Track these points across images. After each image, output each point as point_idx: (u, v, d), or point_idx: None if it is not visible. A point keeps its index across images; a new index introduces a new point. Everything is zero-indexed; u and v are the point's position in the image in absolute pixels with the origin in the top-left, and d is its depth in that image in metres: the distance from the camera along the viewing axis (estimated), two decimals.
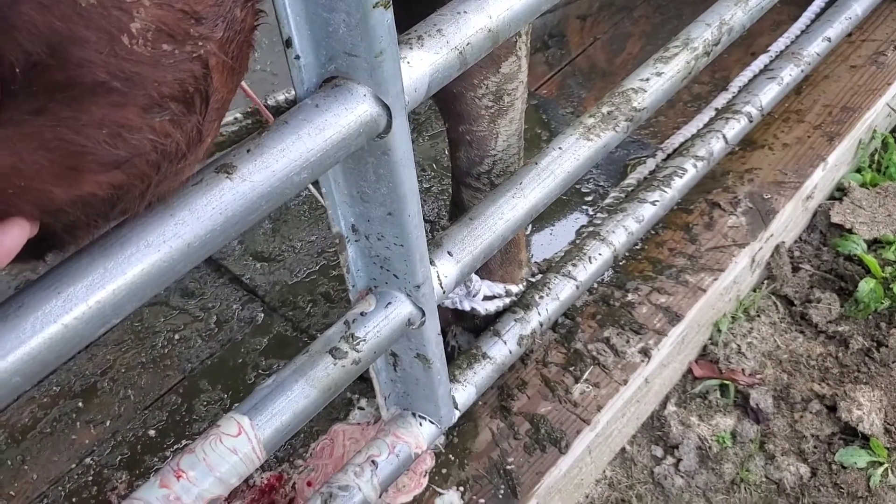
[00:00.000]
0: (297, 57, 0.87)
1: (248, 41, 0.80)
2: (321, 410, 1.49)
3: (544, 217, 1.76)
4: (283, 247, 1.73)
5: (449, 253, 1.16)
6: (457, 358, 1.41)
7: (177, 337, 1.61)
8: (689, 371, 1.75)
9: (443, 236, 1.18)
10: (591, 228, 1.58)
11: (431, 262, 1.13)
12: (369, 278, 1.12)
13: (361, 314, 1.09)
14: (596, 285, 1.62)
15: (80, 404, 1.53)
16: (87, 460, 1.45)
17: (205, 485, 0.96)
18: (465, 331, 1.51)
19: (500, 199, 1.21)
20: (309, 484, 1.40)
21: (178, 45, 0.69)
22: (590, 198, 1.79)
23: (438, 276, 1.14)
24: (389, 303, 1.10)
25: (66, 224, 0.75)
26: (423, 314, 1.12)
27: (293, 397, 1.03)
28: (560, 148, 1.27)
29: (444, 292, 1.15)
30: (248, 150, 0.83)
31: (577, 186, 1.81)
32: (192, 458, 0.97)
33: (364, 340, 1.08)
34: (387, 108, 0.88)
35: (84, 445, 1.48)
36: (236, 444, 0.99)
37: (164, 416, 1.51)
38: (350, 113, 0.86)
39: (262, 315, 1.63)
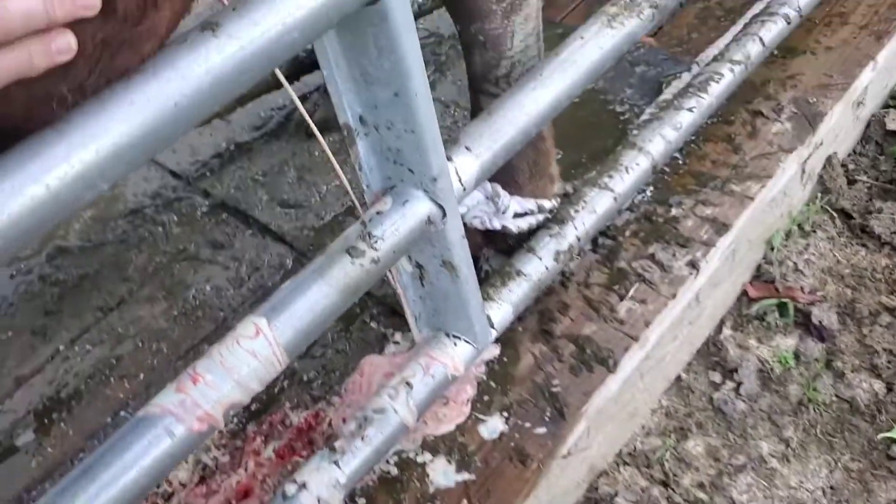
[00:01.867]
0: None
1: None
2: (356, 346, 1.45)
3: (578, 141, 1.69)
4: (309, 192, 1.69)
5: (467, 148, 1.10)
6: (491, 279, 1.35)
7: (208, 288, 1.58)
8: (744, 294, 1.66)
9: (460, 132, 1.12)
10: (626, 141, 1.50)
11: (449, 159, 1.07)
12: (384, 178, 1.06)
13: (378, 213, 1.04)
14: (637, 203, 1.54)
15: (113, 361, 1.50)
16: (122, 413, 1.42)
17: (224, 389, 0.92)
18: (498, 253, 1.45)
19: (519, 92, 1.15)
20: (344, 421, 1.34)
21: None
22: (625, 117, 1.71)
23: (457, 172, 1.08)
24: (406, 200, 1.04)
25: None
26: (444, 212, 1.06)
27: (312, 297, 0.98)
28: (582, 37, 1.20)
29: (464, 190, 1.09)
30: (233, 9, 0.78)
31: (612, 107, 1.73)
32: (209, 362, 0.92)
33: (382, 239, 1.02)
34: None
35: (118, 400, 1.45)
36: (255, 347, 0.94)
37: None
38: None
39: (292, 261, 1.59)
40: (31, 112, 0.76)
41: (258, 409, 1.38)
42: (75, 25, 0.65)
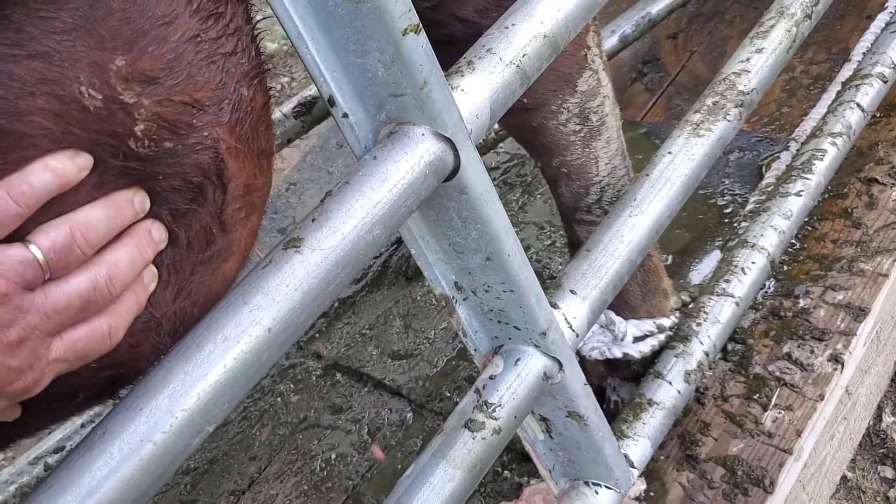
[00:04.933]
0: (346, 115, 0.81)
1: (264, 120, 0.77)
2: (492, 500, 1.38)
3: (685, 244, 1.61)
4: (418, 340, 1.67)
5: (572, 291, 1.04)
6: (621, 412, 1.27)
7: (334, 456, 1.56)
8: None
9: (561, 275, 1.07)
10: (737, 239, 1.42)
11: (555, 306, 1.03)
12: (491, 338, 1.02)
13: (491, 378, 0.99)
14: (760, 299, 1.44)
15: None
16: None
17: None
18: (625, 381, 1.37)
19: (615, 221, 1.10)
20: None
21: (181, 139, 0.66)
22: (729, 209, 1.63)
23: (566, 319, 1.02)
24: (518, 359, 0.99)
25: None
26: (560, 365, 1.00)
27: (436, 483, 0.93)
28: (670, 152, 1.15)
29: (577, 336, 1.03)
30: (312, 220, 0.77)
31: (713, 201, 1.65)
32: None
33: (500, 406, 0.97)
34: (450, 142, 0.81)
35: None
36: None
37: None
38: (410, 156, 0.79)
39: (411, 414, 1.55)
40: (136, 350, 0.76)
41: None
42: None
